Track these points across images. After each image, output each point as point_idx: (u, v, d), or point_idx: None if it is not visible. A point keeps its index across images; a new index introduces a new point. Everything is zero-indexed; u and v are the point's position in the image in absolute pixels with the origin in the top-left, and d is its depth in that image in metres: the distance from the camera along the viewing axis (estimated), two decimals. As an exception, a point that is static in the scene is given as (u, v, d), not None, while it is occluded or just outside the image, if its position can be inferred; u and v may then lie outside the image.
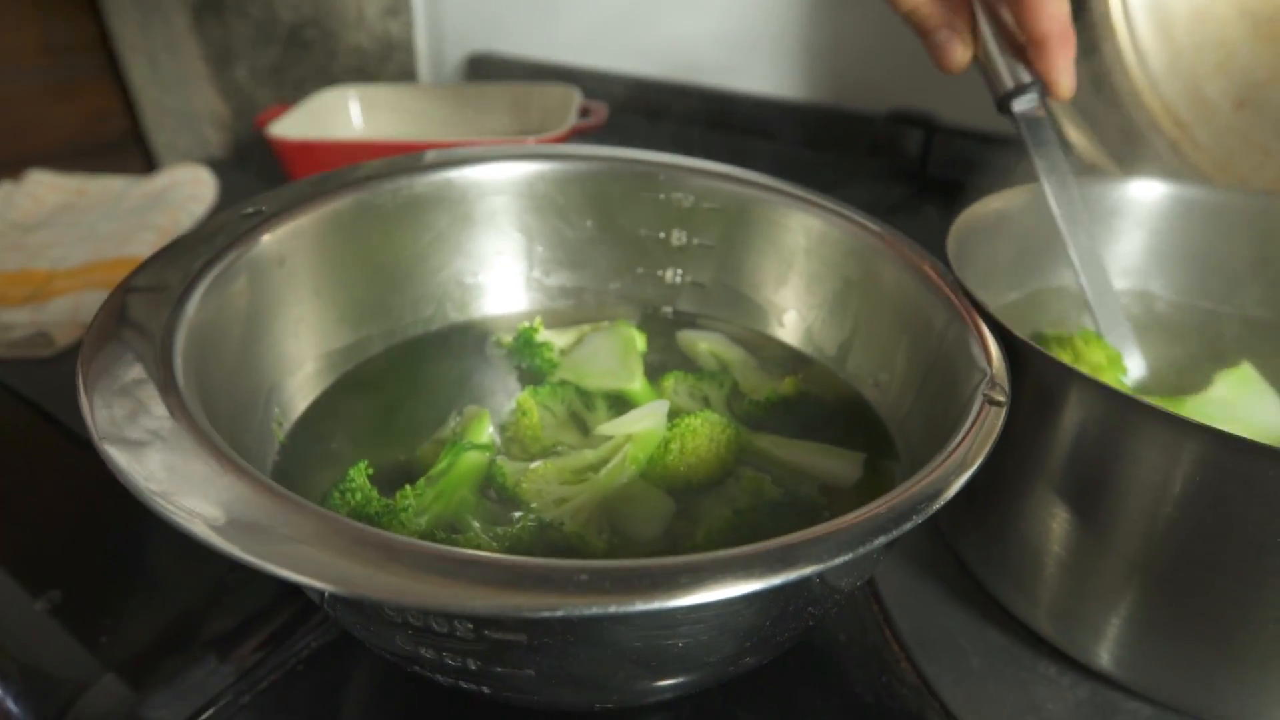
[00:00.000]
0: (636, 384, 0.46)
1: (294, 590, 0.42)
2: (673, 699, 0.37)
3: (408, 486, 0.38)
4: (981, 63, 0.47)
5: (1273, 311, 0.52)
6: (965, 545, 0.44)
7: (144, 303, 0.36)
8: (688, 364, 0.51)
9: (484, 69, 1.20)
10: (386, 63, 1.22)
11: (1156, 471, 0.33)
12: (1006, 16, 0.45)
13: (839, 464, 0.42)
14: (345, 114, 1.00)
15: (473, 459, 0.41)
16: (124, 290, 0.36)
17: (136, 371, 0.32)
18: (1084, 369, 0.42)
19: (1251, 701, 0.36)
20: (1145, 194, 0.52)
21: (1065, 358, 0.43)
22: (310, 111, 0.94)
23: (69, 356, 0.64)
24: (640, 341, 0.50)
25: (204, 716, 0.38)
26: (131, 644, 0.41)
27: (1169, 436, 0.33)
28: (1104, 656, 0.38)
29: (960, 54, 0.46)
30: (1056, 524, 0.38)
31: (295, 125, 0.88)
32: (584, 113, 0.91)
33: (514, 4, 1.15)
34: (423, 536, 0.37)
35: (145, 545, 0.47)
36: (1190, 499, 0.33)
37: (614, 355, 0.48)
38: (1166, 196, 0.52)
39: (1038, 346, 0.36)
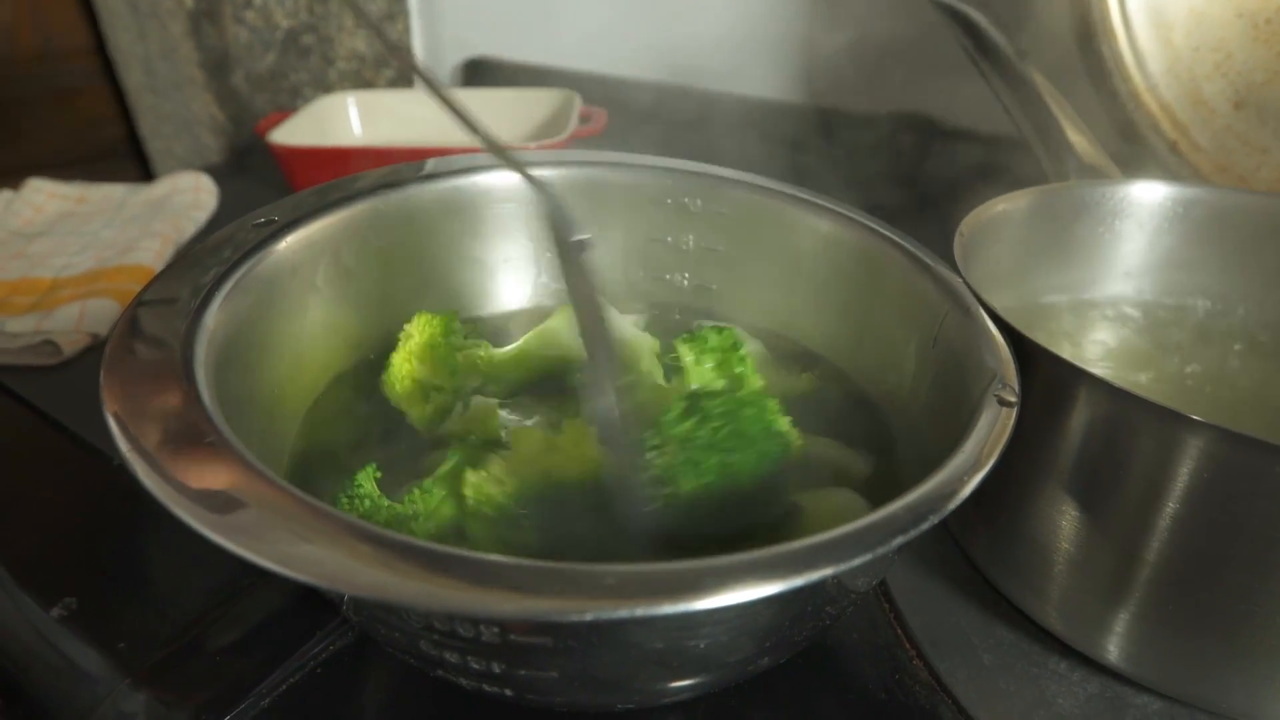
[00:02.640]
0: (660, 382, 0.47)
1: (309, 593, 0.43)
2: (690, 699, 0.38)
3: (416, 491, 0.38)
4: None
5: (1272, 310, 0.52)
6: (974, 543, 0.45)
7: (161, 315, 0.36)
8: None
9: (481, 74, 1.20)
10: (383, 68, 1.22)
11: (1163, 468, 0.34)
12: None
13: (849, 459, 0.42)
14: (345, 120, 1.00)
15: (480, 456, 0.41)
16: (139, 303, 0.37)
17: (158, 384, 0.32)
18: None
19: (1260, 693, 0.36)
20: (1147, 196, 0.52)
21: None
22: (310, 118, 0.94)
23: (75, 364, 0.64)
24: (655, 345, 0.50)
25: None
26: (150, 650, 0.41)
27: (1175, 434, 0.33)
28: (1113, 651, 0.39)
29: None
30: (1065, 521, 0.38)
31: (296, 132, 0.89)
32: (584, 118, 0.92)
33: (511, 9, 1.15)
34: (433, 540, 0.37)
35: (158, 550, 0.48)
36: (1197, 495, 0.33)
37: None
38: (1168, 198, 0.52)
39: (1046, 347, 0.36)
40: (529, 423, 0.45)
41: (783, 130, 0.97)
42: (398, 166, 0.51)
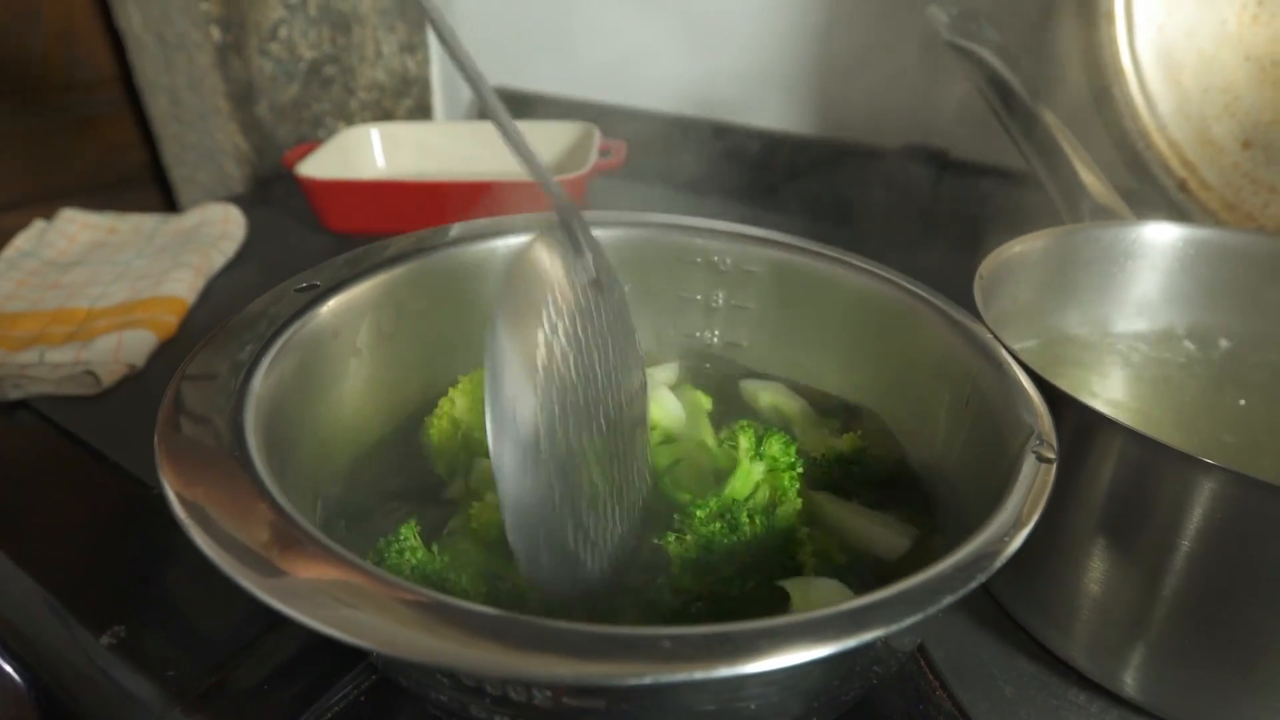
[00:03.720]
0: (710, 442, 0.48)
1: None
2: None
3: (445, 538, 0.40)
4: None
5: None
6: (997, 580, 0.46)
7: (210, 384, 0.37)
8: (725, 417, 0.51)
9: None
10: (403, 98, 1.24)
11: (1181, 510, 0.35)
12: None
13: (884, 537, 0.42)
14: (368, 151, 1.02)
15: None
16: (186, 372, 0.37)
17: (212, 448, 0.33)
18: None
19: (1273, 726, 0.38)
20: (1159, 236, 0.54)
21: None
22: (335, 150, 0.96)
23: (113, 394, 0.66)
24: (707, 402, 0.51)
25: (275, 750, 0.39)
26: (198, 677, 0.42)
27: (1191, 477, 0.34)
28: (1132, 684, 0.40)
29: None
30: (1086, 559, 0.39)
31: (322, 164, 0.91)
32: (604, 151, 0.93)
33: (530, 40, 1.17)
34: (474, 581, 0.38)
35: (199, 576, 0.49)
36: (1213, 535, 0.35)
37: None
38: (1180, 239, 0.54)
39: (1073, 395, 0.38)
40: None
41: (796, 161, 0.98)
42: (429, 231, 0.52)
